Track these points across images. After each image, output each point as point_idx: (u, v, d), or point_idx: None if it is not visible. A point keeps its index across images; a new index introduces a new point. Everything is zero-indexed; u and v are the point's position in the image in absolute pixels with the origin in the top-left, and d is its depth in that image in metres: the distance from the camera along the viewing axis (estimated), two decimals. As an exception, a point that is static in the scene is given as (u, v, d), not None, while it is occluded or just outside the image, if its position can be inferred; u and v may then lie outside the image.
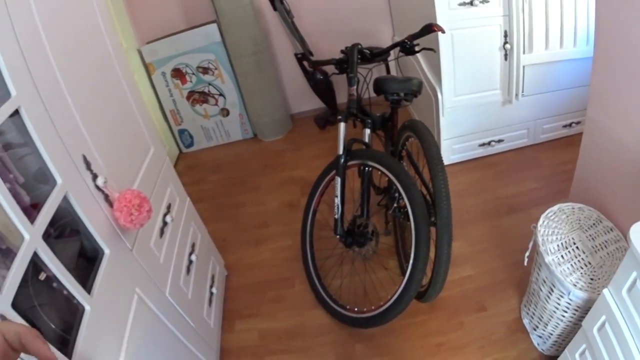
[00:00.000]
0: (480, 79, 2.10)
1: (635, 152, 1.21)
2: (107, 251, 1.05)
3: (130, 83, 1.45)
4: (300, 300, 1.84)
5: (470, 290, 1.70)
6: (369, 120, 1.67)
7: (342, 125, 1.60)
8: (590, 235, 1.34)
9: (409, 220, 1.40)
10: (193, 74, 2.81)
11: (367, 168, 1.59)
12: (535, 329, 1.47)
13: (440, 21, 1.89)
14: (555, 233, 1.35)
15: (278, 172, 2.68)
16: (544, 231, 1.36)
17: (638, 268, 0.86)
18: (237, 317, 1.85)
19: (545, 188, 2.09)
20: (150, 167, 1.46)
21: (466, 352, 1.51)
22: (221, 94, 2.90)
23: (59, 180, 0.91)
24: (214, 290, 1.77)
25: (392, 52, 1.74)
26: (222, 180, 2.73)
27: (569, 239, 1.34)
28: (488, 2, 1.90)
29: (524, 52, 2.02)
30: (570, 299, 1.23)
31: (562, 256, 1.29)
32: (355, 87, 1.63)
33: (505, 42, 1.99)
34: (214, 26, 2.66)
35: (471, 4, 1.90)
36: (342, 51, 1.82)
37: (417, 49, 1.66)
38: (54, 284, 0.88)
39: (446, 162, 1.79)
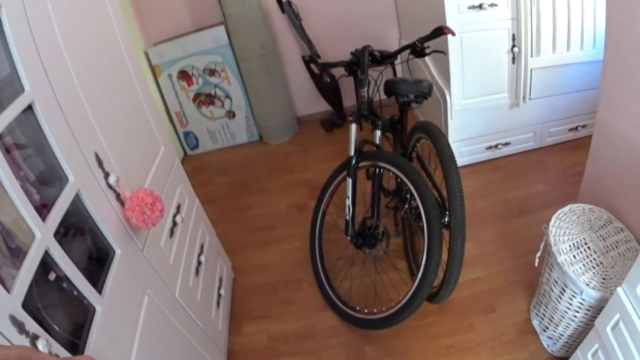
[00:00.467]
0: (488, 82, 2.11)
1: (646, 154, 1.22)
2: (118, 251, 1.03)
3: (142, 81, 1.44)
4: (309, 303, 1.84)
5: (479, 292, 1.70)
6: (380, 122, 1.67)
7: (353, 126, 1.61)
8: (601, 236, 1.35)
9: (420, 221, 1.40)
10: (199, 76, 2.82)
11: (378, 169, 1.60)
12: (545, 330, 1.47)
13: (449, 24, 1.90)
14: (566, 233, 1.36)
15: (285, 174, 2.68)
16: (556, 232, 1.36)
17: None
18: (244, 320, 1.84)
19: (554, 191, 2.09)
20: (161, 167, 1.45)
21: (476, 353, 1.50)
22: (227, 96, 2.92)
23: (70, 177, 0.90)
24: (222, 292, 1.76)
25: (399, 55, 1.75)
26: (228, 183, 2.74)
27: (581, 239, 1.34)
28: (497, 5, 1.91)
29: (531, 56, 2.03)
30: (583, 299, 1.23)
31: (574, 256, 1.29)
32: (366, 88, 1.64)
33: (513, 46, 2.01)
34: (222, 28, 2.67)
35: (480, 7, 1.91)
36: (352, 53, 1.83)
37: (427, 51, 1.67)
38: (64, 284, 0.87)
39: (455, 164, 1.80)
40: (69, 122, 0.92)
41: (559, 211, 1.43)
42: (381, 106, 1.77)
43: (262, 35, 2.63)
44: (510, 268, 1.76)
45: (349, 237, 1.62)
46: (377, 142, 1.66)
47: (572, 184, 2.09)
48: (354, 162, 1.59)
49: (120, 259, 1.03)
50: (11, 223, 0.74)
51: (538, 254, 1.41)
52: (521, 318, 1.58)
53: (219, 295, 1.74)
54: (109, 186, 1.05)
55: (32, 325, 0.71)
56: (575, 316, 1.29)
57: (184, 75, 2.81)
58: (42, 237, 0.78)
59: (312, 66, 2.76)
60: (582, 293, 1.22)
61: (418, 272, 1.73)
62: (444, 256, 1.37)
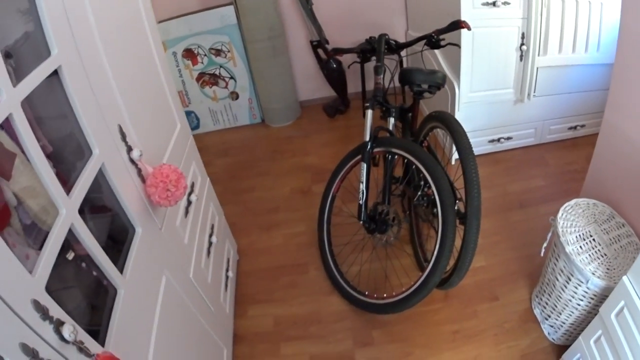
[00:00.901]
0: (495, 77, 2.15)
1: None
2: (139, 230, 0.99)
3: (162, 56, 1.41)
4: (316, 287, 1.85)
5: (482, 280, 1.75)
6: (393, 110, 1.69)
7: (369, 112, 1.63)
8: (604, 229, 1.41)
9: (434, 208, 1.44)
10: (205, 55, 2.78)
11: (391, 155, 1.62)
12: (547, 319, 1.53)
13: (463, 19, 1.92)
14: (573, 225, 1.42)
15: (287, 158, 2.68)
16: (563, 223, 1.42)
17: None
18: (249, 303, 1.83)
19: (553, 186, 2.16)
20: (177, 144, 1.43)
21: (481, 339, 1.56)
22: (232, 77, 2.88)
23: (95, 150, 0.84)
24: (229, 273, 1.75)
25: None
26: (230, 164, 2.72)
27: (586, 232, 1.40)
28: (509, 3, 1.95)
29: (538, 54, 2.08)
30: (588, 287, 1.29)
31: (580, 247, 1.35)
32: (382, 76, 1.65)
33: (522, 44, 2.05)
34: (231, 8, 2.63)
35: (494, 4, 1.94)
36: (367, 40, 1.84)
37: (442, 43, 1.70)
38: (83, 264, 0.83)
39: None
40: (94, 91, 0.87)
41: (565, 204, 1.48)
42: (396, 94, 1.79)
43: (271, 17, 2.60)
44: (512, 258, 1.82)
45: (361, 222, 1.64)
46: (391, 128, 1.68)
47: (569, 180, 2.16)
48: (369, 147, 1.61)
49: (141, 238, 0.99)
50: (20, 189, 0.67)
51: (545, 244, 1.47)
52: (523, 307, 1.64)
53: (227, 277, 1.72)
54: (131, 161, 1.00)
55: (56, 310, 0.65)
56: (579, 304, 1.35)
57: (189, 53, 2.77)
58: (66, 213, 0.72)
59: (320, 51, 2.76)
60: (587, 282, 1.28)
61: (424, 258, 1.78)
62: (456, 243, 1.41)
